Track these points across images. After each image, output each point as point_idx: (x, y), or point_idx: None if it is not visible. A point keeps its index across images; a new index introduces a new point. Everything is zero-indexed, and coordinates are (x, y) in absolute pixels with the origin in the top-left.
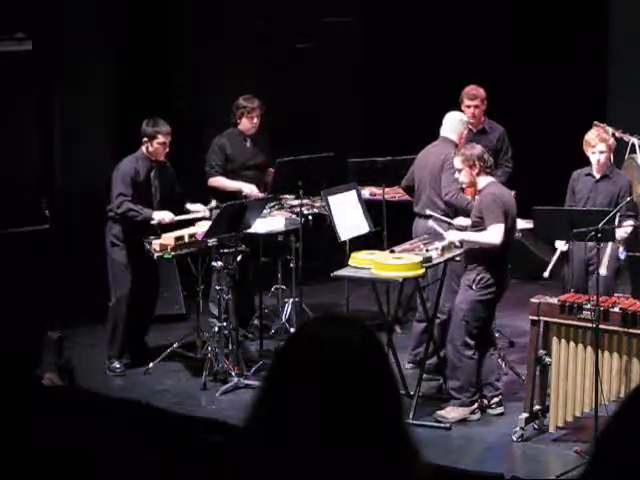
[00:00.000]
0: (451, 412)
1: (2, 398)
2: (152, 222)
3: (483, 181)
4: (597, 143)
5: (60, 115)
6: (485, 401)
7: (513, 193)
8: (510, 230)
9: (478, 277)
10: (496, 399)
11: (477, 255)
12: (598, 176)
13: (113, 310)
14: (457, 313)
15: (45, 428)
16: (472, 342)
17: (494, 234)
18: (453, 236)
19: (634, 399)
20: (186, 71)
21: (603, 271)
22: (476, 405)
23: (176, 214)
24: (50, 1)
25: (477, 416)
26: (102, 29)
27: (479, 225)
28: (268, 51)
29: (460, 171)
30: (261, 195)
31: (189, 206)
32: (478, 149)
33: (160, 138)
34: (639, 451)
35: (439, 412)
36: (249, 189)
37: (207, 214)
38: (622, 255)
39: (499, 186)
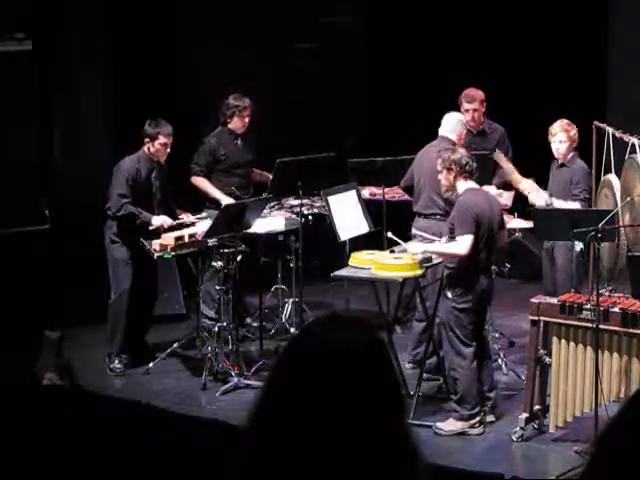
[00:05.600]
0: (449, 425)
1: (2, 398)
2: (150, 227)
3: (461, 186)
4: (557, 132)
5: (60, 115)
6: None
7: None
8: (488, 237)
9: (452, 286)
10: (486, 408)
11: (448, 264)
12: (558, 163)
13: (112, 307)
14: (443, 325)
15: (45, 428)
16: (467, 350)
17: (461, 246)
18: (416, 248)
19: (636, 400)
20: (186, 71)
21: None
22: (477, 419)
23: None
24: (50, 1)
25: (478, 431)
26: (102, 29)
27: (454, 232)
28: (268, 51)
29: (440, 173)
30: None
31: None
32: (458, 153)
33: (162, 139)
34: (639, 453)
35: (438, 424)
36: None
37: (204, 216)
38: (577, 247)
39: (477, 193)
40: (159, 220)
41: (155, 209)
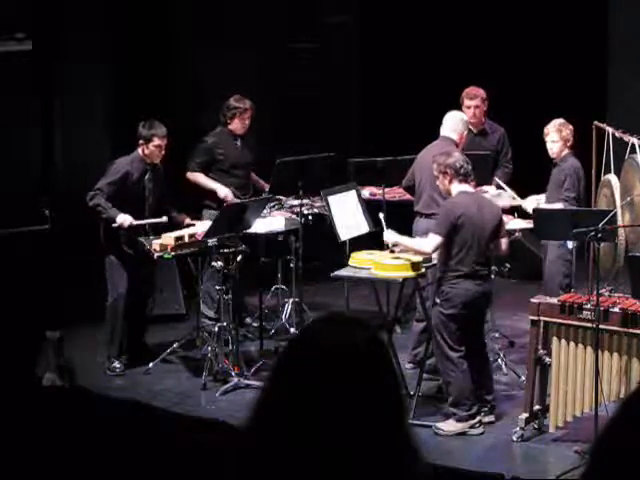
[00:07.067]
0: (449, 426)
1: (2, 398)
2: (113, 225)
3: (455, 189)
4: (550, 132)
5: (60, 115)
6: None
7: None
8: (473, 241)
9: (438, 292)
10: (485, 408)
11: (437, 269)
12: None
13: (110, 310)
14: (433, 329)
15: (45, 428)
16: (454, 354)
17: (427, 243)
18: (389, 237)
19: (634, 400)
20: (186, 71)
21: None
22: (477, 419)
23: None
24: (50, 1)
25: (478, 431)
26: (102, 29)
27: None
28: (267, 51)
29: (437, 178)
30: (236, 200)
31: (175, 215)
32: (453, 158)
33: (156, 141)
34: (638, 452)
35: (438, 424)
36: (224, 193)
37: (164, 220)
38: (569, 245)
39: (467, 196)
40: (121, 218)
41: (147, 211)
